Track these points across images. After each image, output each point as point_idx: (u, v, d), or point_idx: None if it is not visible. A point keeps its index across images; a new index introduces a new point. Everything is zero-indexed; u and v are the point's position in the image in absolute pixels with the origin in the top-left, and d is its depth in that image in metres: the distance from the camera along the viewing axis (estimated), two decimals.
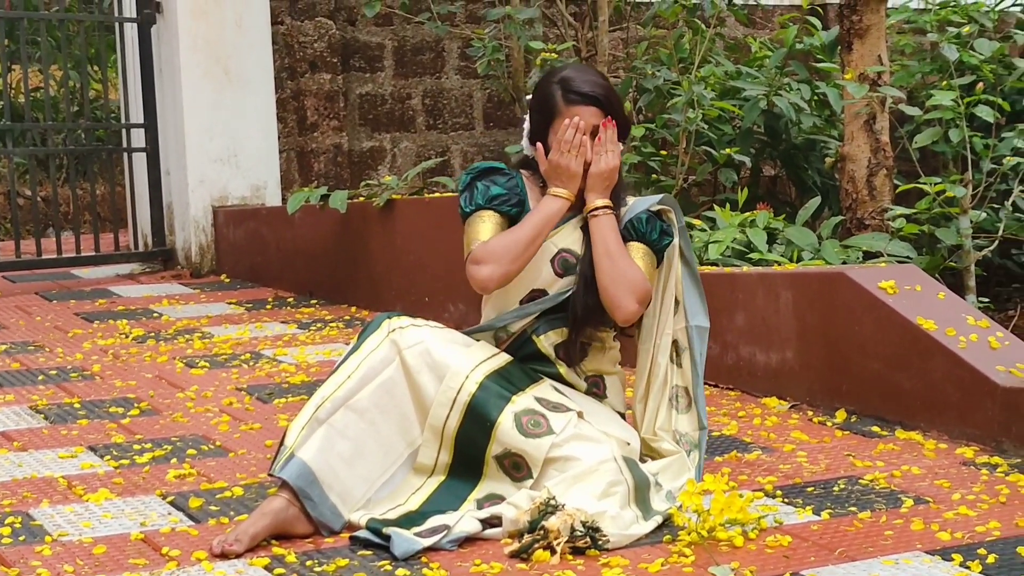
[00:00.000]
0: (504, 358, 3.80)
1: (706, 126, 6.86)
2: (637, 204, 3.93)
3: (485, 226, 3.84)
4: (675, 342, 3.99)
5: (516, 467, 3.63)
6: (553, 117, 3.85)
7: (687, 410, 3.98)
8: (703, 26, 7.16)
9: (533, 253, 3.80)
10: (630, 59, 8.03)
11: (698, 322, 3.98)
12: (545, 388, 3.79)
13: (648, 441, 3.94)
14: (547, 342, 3.88)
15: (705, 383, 5.19)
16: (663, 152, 6.95)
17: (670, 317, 3.97)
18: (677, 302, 4.00)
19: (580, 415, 3.73)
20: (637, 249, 3.87)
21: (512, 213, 3.87)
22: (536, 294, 3.86)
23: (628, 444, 3.77)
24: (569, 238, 3.88)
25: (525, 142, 3.98)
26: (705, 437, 3.98)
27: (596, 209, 3.82)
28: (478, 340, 3.85)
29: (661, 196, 3.96)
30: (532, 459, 3.60)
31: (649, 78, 7.30)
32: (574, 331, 3.86)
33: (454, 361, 3.68)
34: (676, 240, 3.96)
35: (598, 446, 3.65)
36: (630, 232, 3.88)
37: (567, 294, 3.85)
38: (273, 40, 8.50)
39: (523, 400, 3.68)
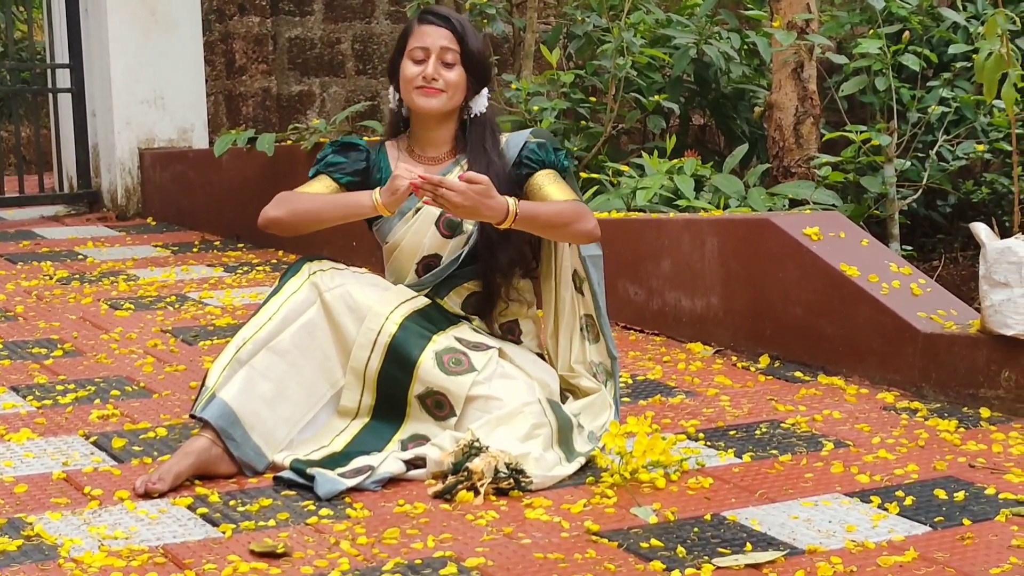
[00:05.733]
0: (424, 300, 3.79)
1: (635, 73, 6.87)
2: (512, 138, 3.89)
3: (312, 185, 3.85)
4: (575, 272, 3.98)
5: (438, 405, 3.64)
6: (407, 38, 3.84)
7: (596, 340, 3.98)
8: None
9: (315, 228, 3.84)
10: (560, 5, 8.02)
11: (589, 252, 3.96)
12: (464, 329, 3.80)
13: (567, 378, 3.95)
14: (452, 303, 3.87)
15: (631, 328, 5.26)
16: (592, 99, 6.95)
17: (566, 249, 3.95)
18: None
19: (501, 352, 3.76)
20: (547, 175, 3.83)
21: (344, 182, 3.85)
22: (429, 260, 3.84)
23: (548, 385, 3.80)
24: None
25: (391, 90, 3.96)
26: (617, 366, 4.00)
27: (506, 216, 3.62)
28: None
29: (531, 130, 3.93)
30: (454, 396, 3.62)
31: (579, 24, 7.29)
32: (495, 295, 3.86)
33: (374, 303, 3.67)
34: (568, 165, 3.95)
35: (520, 386, 3.67)
36: (531, 163, 3.84)
37: (460, 260, 3.82)
38: None
39: (443, 339, 3.69)
